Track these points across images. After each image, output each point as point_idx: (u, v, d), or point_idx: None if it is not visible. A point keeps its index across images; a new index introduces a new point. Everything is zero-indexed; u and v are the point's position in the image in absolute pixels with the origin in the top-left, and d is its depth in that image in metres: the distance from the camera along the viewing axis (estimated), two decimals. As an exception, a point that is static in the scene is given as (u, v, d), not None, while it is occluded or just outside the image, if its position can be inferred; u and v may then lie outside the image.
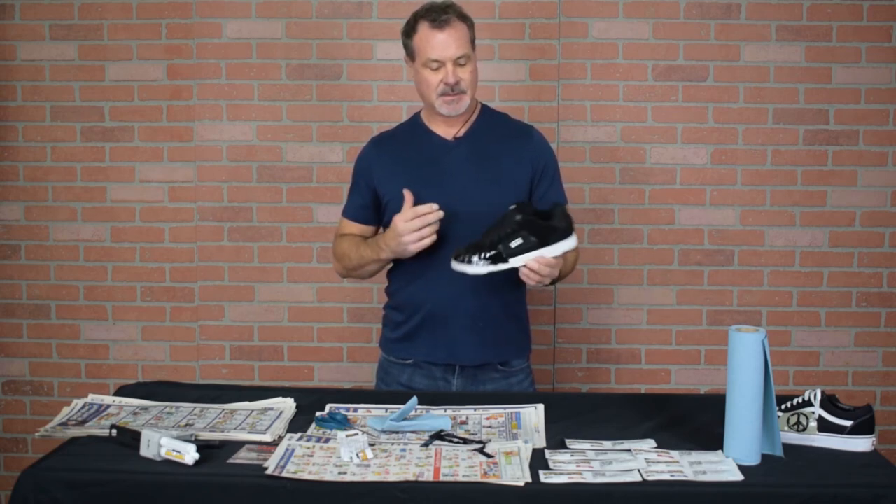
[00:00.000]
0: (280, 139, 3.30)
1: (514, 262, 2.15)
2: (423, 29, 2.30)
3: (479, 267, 2.15)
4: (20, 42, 3.29)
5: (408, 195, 2.24)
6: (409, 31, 2.34)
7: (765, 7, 3.19)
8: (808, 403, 1.94)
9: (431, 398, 2.14)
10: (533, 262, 2.14)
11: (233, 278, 3.35)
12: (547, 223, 2.17)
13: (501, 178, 2.36)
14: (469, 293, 2.33)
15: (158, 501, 1.69)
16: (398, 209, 2.32)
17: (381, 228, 2.45)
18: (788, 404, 1.97)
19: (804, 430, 1.92)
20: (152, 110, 3.31)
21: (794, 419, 1.93)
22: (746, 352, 1.76)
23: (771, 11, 3.19)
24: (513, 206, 2.18)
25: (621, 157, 3.26)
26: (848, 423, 1.90)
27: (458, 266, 2.17)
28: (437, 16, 2.30)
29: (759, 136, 3.23)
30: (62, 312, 3.38)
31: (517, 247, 2.14)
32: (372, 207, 2.44)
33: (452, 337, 2.36)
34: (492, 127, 2.44)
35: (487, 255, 2.15)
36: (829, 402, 1.93)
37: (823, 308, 3.28)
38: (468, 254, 2.16)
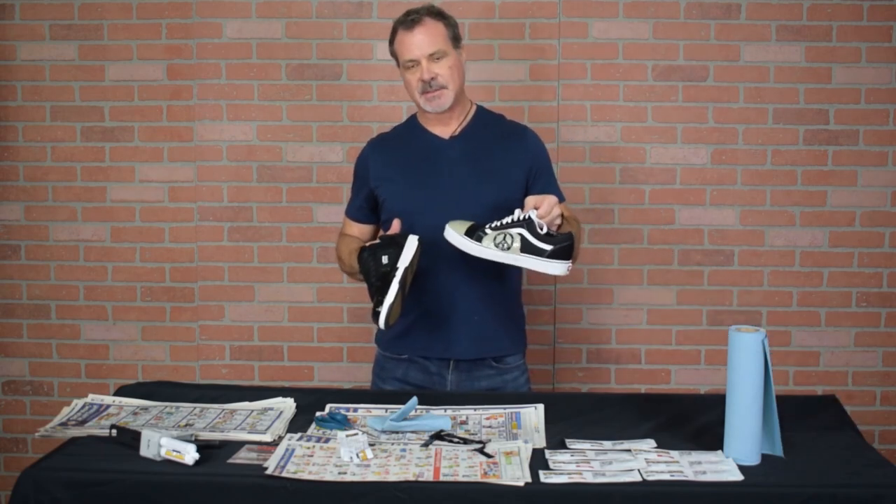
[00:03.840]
0: (280, 139, 3.30)
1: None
2: (398, 33, 2.40)
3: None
4: (20, 42, 3.29)
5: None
6: (391, 39, 2.44)
7: (765, 7, 3.19)
8: (518, 224, 1.99)
9: (431, 398, 2.14)
10: (532, 202, 2.11)
11: (233, 278, 3.35)
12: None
13: (496, 177, 2.39)
14: (465, 287, 2.37)
15: (158, 501, 1.69)
16: (394, 208, 2.38)
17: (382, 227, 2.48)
18: (498, 223, 2.02)
19: (508, 249, 1.95)
20: (152, 110, 3.31)
21: (500, 237, 1.96)
22: (746, 352, 1.76)
23: (771, 11, 3.19)
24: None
25: (621, 157, 3.26)
26: (548, 248, 1.96)
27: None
28: (408, 17, 2.39)
29: (759, 136, 3.23)
30: (62, 312, 3.37)
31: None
32: (369, 207, 2.51)
33: (447, 331, 2.40)
34: (487, 127, 2.48)
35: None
36: (533, 226, 1.98)
37: (823, 308, 3.27)
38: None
